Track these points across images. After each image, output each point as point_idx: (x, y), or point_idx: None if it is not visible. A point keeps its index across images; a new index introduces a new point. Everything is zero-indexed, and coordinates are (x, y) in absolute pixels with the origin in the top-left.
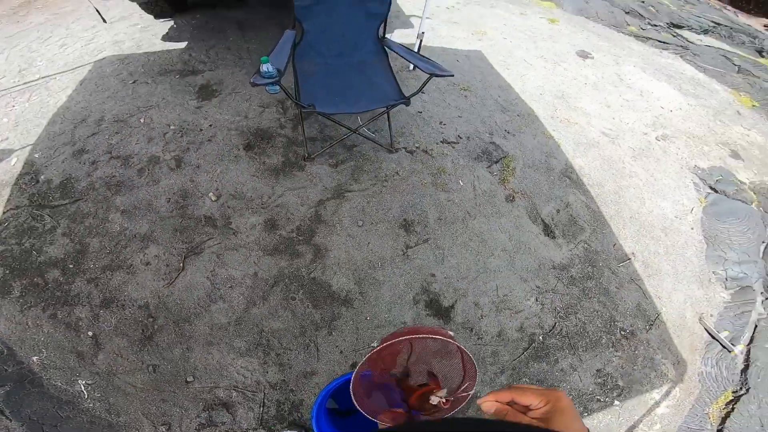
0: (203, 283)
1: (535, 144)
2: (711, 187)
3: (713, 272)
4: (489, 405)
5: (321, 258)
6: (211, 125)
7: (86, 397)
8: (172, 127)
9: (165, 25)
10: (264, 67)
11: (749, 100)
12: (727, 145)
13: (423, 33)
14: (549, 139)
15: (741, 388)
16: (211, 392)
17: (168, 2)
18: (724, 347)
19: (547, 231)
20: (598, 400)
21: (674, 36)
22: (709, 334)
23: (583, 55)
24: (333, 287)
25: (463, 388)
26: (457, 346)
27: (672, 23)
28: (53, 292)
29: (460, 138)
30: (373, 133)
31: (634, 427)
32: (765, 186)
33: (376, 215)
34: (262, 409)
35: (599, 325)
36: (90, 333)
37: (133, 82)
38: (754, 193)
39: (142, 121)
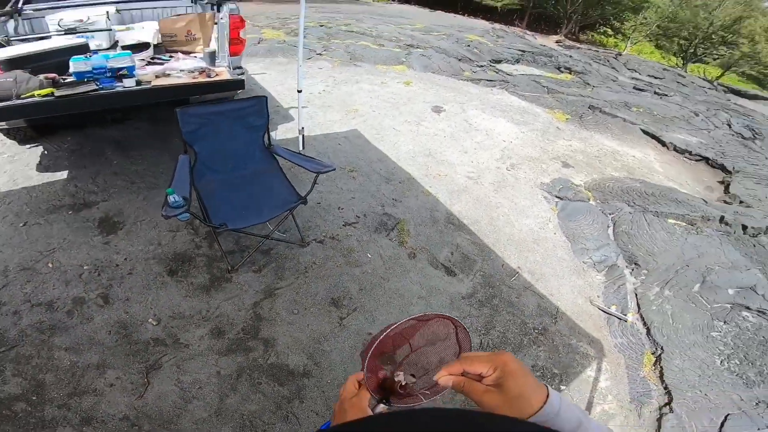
0: (173, 390)
1: (418, 204)
2: (557, 196)
3: (583, 262)
4: (445, 380)
5: (272, 347)
6: (126, 259)
7: None
8: (85, 267)
9: (34, 152)
10: (171, 198)
11: (562, 114)
12: (558, 158)
13: (303, 128)
14: (428, 196)
15: (656, 349)
16: None
17: (32, 127)
18: (619, 319)
19: (449, 272)
20: None
21: (496, 72)
22: (603, 311)
23: (437, 110)
24: (290, 366)
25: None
26: (453, 323)
27: (492, 60)
28: (27, 419)
29: (359, 217)
30: (283, 233)
31: (590, 403)
32: (594, 182)
33: (307, 302)
34: None
35: (516, 331)
36: None
37: (24, 225)
38: (588, 191)
39: (50, 265)
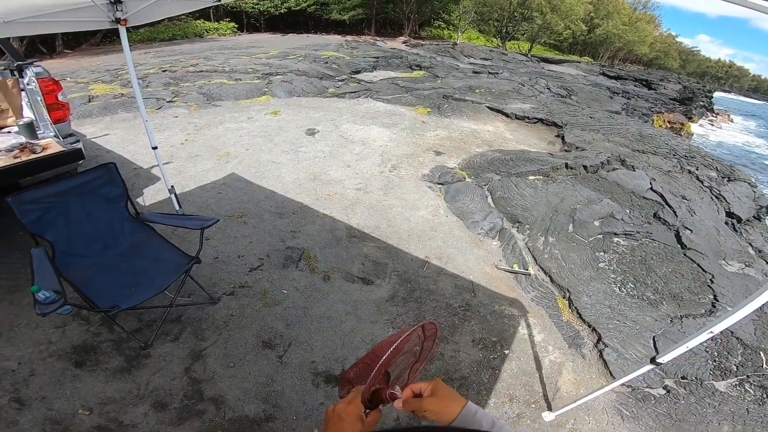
0: None
1: (317, 228)
2: (438, 183)
3: (477, 234)
4: (399, 406)
5: (222, 404)
6: (20, 363)
7: None
8: None
9: None
10: (40, 295)
11: (423, 109)
12: (430, 149)
13: (173, 186)
14: (324, 218)
15: (564, 293)
16: None
17: None
18: (524, 274)
19: (366, 282)
20: (494, 358)
21: (358, 83)
22: (509, 272)
23: (311, 132)
24: (250, 415)
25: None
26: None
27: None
28: None
29: (262, 259)
30: (189, 297)
31: (537, 358)
32: (464, 162)
33: (239, 352)
34: None
35: (445, 314)
36: None
37: None
38: (462, 171)
39: None
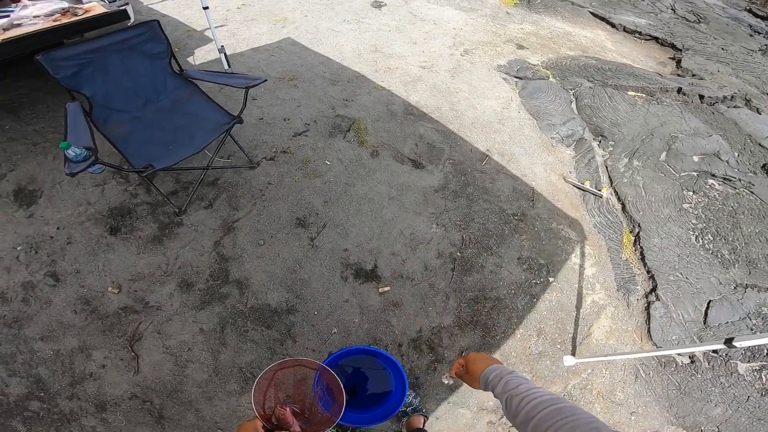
0: (164, 358)
1: (372, 100)
2: (516, 77)
3: (551, 138)
4: (453, 374)
5: (247, 288)
6: (58, 228)
7: None
8: (19, 248)
9: None
10: (70, 152)
11: (510, 0)
12: (511, 41)
13: (223, 47)
14: (381, 90)
15: (633, 227)
16: None
17: None
18: (594, 195)
19: (416, 164)
20: (536, 284)
21: None
22: (577, 187)
23: (377, 5)
24: (272, 305)
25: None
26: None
27: None
28: (49, 416)
29: (308, 125)
30: (228, 159)
31: (580, 294)
32: (550, 62)
33: (270, 228)
34: None
35: (495, 221)
36: None
37: None
38: (546, 69)
39: None
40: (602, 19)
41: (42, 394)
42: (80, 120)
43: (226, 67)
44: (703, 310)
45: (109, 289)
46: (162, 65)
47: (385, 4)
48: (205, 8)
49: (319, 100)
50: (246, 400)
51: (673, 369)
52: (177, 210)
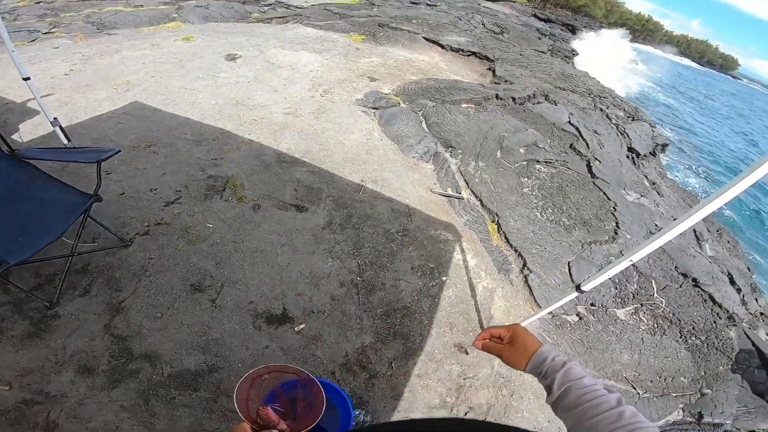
0: None
1: (242, 154)
2: (373, 108)
3: (412, 157)
4: (478, 344)
5: (157, 359)
6: None
7: None
8: None
9: None
10: None
11: (358, 36)
12: (364, 75)
13: (56, 119)
14: (250, 143)
15: (494, 217)
16: None
17: None
18: (457, 198)
19: (299, 208)
20: (433, 286)
21: (287, 8)
22: (443, 195)
23: (232, 57)
24: (192, 368)
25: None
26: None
27: None
28: None
29: (179, 191)
30: (94, 242)
31: (471, 284)
32: (399, 88)
33: (165, 300)
34: None
35: (382, 239)
36: None
37: None
38: (396, 96)
39: None
40: (434, 42)
41: None
42: None
43: (65, 141)
44: (567, 271)
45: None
46: None
47: (240, 56)
48: (26, 79)
49: (185, 164)
50: None
51: (569, 329)
52: (48, 303)
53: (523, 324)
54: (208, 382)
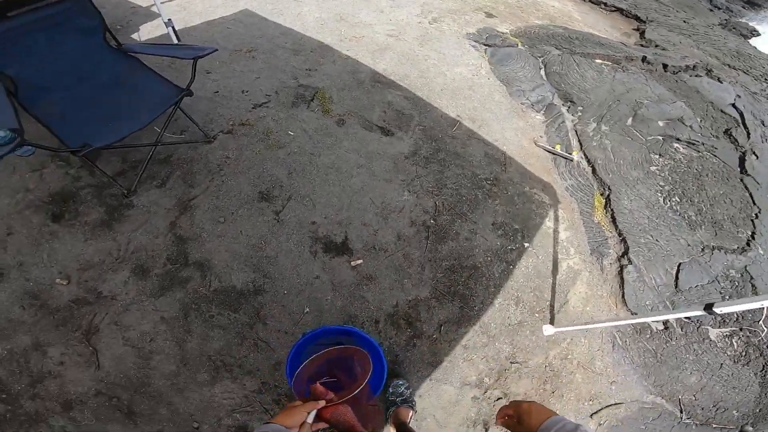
0: (126, 351)
1: (337, 69)
2: (485, 44)
3: (521, 103)
4: (499, 421)
5: (209, 270)
6: None
7: None
8: None
9: None
10: None
11: None
12: (480, 9)
13: (170, 20)
14: (347, 59)
15: (604, 189)
16: (221, 425)
17: None
18: (565, 158)
19: (385, 132)
20: (512, 249)
21: None
22: (548, 151)
23: None
24: (238, 286)
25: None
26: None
27: None
28: (16, 418)
29: (269, 96)
30: (181, 134)
31: (555, 260)
32: (519, 30)
33: (231, 204)
34: (269, 414)
35: (469, 185)
36: None
37: None
38: (515, 37)
39: None
40: None
41: (4, 396)
42: (2, 101)
43: (175, 41)
44: (674, 273)
45: (57, 280)
46: (96, 40)
47: None
48: None
49: (280, 70)
50: (219, 389)
51: (648, 336)
52: (126, 191)
53: (600, 325)
54: (250, 304)
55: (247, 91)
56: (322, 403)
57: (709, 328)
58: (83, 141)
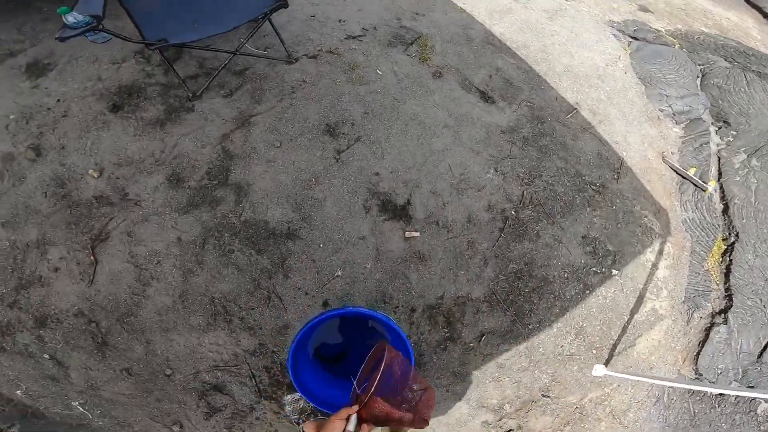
0: (126, 269)
1: (448, 20)
2: (631, 36)
3: (659, 109)
4: None
5: (246, 196)
6: (59, 100)
7: (91, 416)
8: (12, 117)
9: None
10: (69, 18)
11: None
12: (634, 1)
13: None
14: (461, 12)
15: (730, 234)
16: (196, 379)
17: None
18: (696, 186)
19: (485, 97)
20: (595, 272)
21: None
22: (677, 173)
23: None
24: (271, 223)
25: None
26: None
27: None
28: None
29: (366, 30)
30: (264, 50)
31: (641, 297)
32: (678, 32)
33: (293, 130)
34: (254, 380)
35: (568, 184)
36: (46, 356)
37: None
38: (674, 38)
39: None
40: (755, 6)
41: None
42: None
43: None
44: (763, 344)
45: (90, 171)
46: None
47: None
48: None
49: (384, 8)
50: (209, 339)
51: (698, 398)
52: (191, 94)
53: (662, 383)
54: (278, 249)
55: (344, 21)
56: (354, 408)
57: (762, 402)
58: (162, 36)
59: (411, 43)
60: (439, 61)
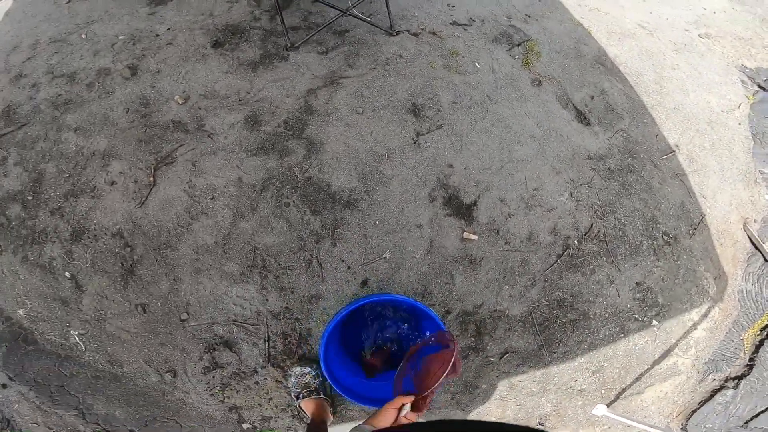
0: (180, 198)
1: (561, 30)
2: (759, 86)
3: (760, 171)
4: None
5: (316, 153)
6: (169, 29)
7: (84, 349)
8: (120, 37)
9: None
10: None
11: None
12: None
13: None
14: (578, 26)
15: None
16: (210, 330)
17: None
18: (766, 260)
19: (581, 117)
20: (636, 319)
21: None
22: (753, 243)
23: None
24: (333, 187)
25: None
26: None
27: None
28: (18, 230)
29: (473, 20)
30: (368, 16)
31: (669, 351)
32: None
33: (378, 101)
34: (267, 344)
35: (640, 227)
36: (67, 274)
37: (68, 2)
38: None
39: (83, 36)
40: None
41: (30, 198)
42: None
43: None
44: (757, 411)
45: (176, 97)
46: None
47: None
48: None
49: (496, 4)
50: (238, 291)
51: None
52: (289, 44)
53: (644, 428)
54: (333, 214)
55: (453, 6)
56: (410, 398)
57: None
58: None
59: (518, 45)
60: (542, 70)
